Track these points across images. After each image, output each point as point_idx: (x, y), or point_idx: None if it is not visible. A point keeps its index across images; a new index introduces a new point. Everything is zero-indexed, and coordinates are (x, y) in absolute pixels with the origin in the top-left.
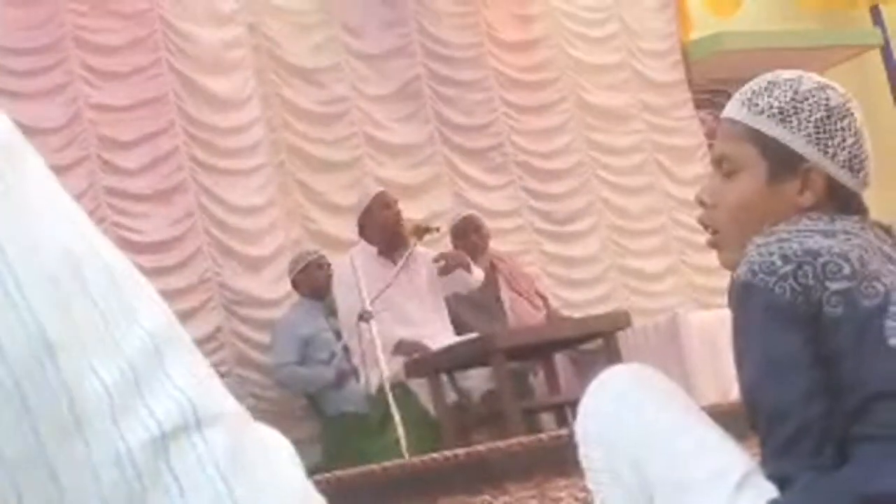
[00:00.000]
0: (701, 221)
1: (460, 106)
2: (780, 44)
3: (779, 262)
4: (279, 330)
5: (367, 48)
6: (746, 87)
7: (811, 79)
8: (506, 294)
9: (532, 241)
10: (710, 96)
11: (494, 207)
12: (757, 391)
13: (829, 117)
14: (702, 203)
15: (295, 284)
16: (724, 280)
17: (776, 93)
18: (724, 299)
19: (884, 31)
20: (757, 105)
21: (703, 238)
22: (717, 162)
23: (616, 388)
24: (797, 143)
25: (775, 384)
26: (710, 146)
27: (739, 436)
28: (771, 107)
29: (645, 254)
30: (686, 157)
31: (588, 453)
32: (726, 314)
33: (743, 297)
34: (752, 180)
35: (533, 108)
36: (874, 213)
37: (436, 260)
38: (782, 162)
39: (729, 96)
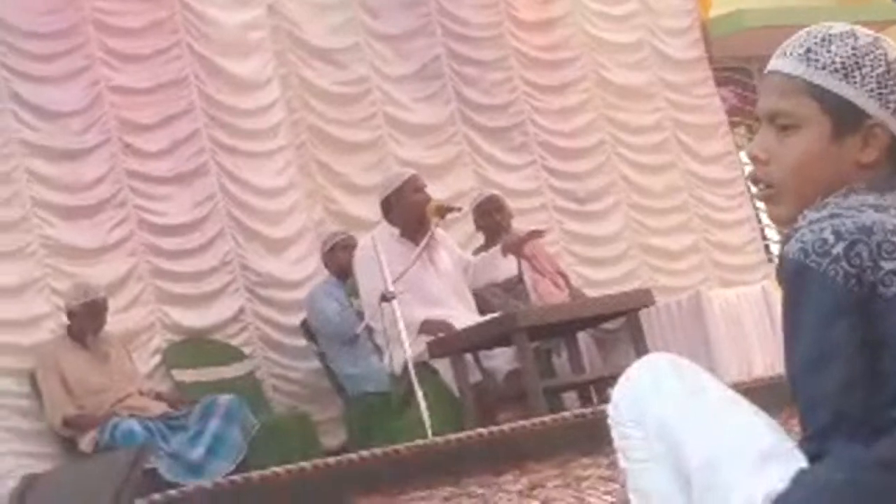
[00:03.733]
0: (754, 177)
1: (481, 85)
2: (801, 20)
3: (832, 240)
4: (315, 293)
5: (386, 28)
6: (796, 40)
7: (864, 32)
8: (528, 274)
9: (554, 220)
10: (730, 73)
11: (516, 187)
12: (801, 377)
13: (888, 72)
14: (755, 159)
15: (325, 263)
16: (745, 257)
17: (834, 47)
18: (746, 276)
19: None
20: (817, 60)
21: (724, 216)
22: (771, 117)
23: (654, 373)
24: (861, 98)
25: (819, 372)
26: (732, 123)
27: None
28: (833, 62)
29: (667, 232)
30: (707, 135)
31: (627, 433)
32: (749, 291)
33: (795, 279)
34: (814, 136)
35: (553, 88)
36: None
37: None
38: (846, 118)
39: (749, 73)
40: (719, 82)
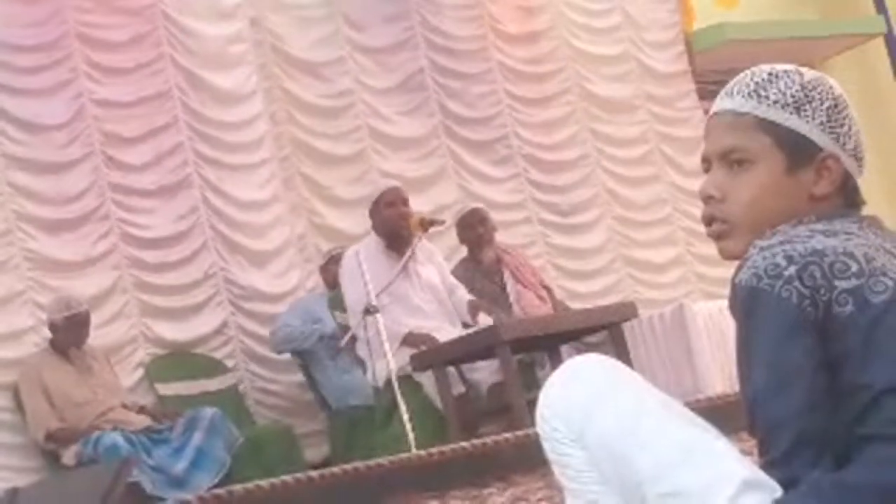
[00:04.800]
0: (708, 215)
1: (465, 98)
2: (784, 34)
3: (784, 264)
4: (292, 304)
5: (370, 41)
6: (741, 80)
7: (807, 70)
8: (511, 286)
9: (538, 232)
10: (713, 87)
11: (500, 199)
12: (760, 401)
13: (836, 106)
14: (709, 198)
15: (322, 277)
16: (728, 270)
17: (783, 83)
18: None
19: (887, 19)
20: (767, 96)
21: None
22: (723, 155)
23: (587, 382)
24: (812, 132)
25: (779, 395)
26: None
27: (743, 427)
28: (784, 96)
29: (651, 244)
30: (690, 148)
31: (564, 451)
32: None
33: (749, 303)
34: (768, 170)
35: (537, 100)
36: (880, 201)
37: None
38: (799, 151)
39: None
40: (703, 95)
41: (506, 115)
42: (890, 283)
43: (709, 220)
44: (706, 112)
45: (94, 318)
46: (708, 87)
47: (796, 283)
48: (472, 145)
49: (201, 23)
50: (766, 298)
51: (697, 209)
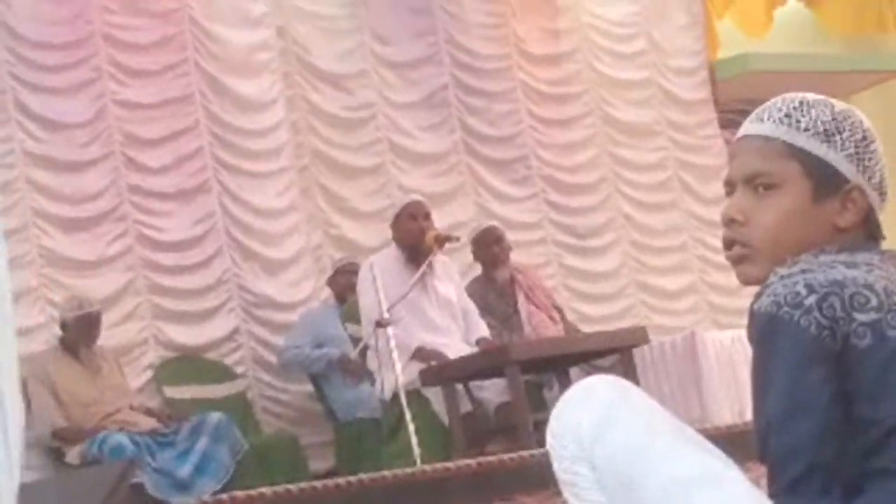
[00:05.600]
0: (729, 239)
1: (486, 117)
2: (808, 67)
3: (804, 293)
4: (300, 319)
5: (395, 55)
6: (772, 105)
7: (837, 101)
8: (524, 306)
9: (553, 254)
10: (735, 116)
11: (516, 219)
12: (773, 429)
13: (864, 139)
14: (732, 221)
15: (330, 287)
16: (743, 300)
17: (814, 112)
18: (742, 319)
19: None
20: (799, 122)
21: (722, 258)
22: (749, 179)
23: (600, 402)
24: (841, 162)
25: (792, 424)
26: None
27: (752, 457)
28: (815, 125)
29: (665, 271)
30: (709, 176)
31: (573, 469)
32: (744, 334)
33: (767, 330)
34: (794, 198)
35: (558, 122)
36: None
37: None
38: (826, 181)
39: None
40: (723, 124)
41: (526, 135)
42: None
43: (729, 244)
44: (727, 141)
45: (106, 319)
46: (729, 117)
47: (816, 314)
48: (492, 164)
49: (228, 29)
50: (784, 327)
51: (713, 238)
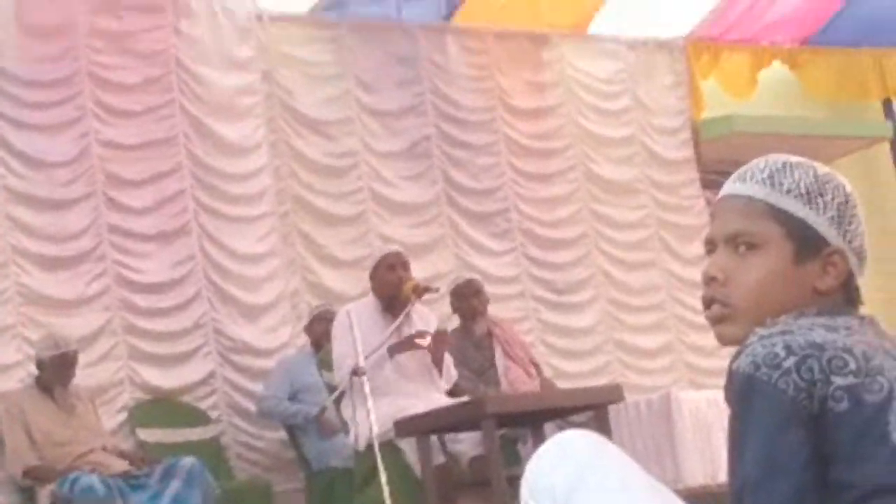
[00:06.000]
0: (709, 297)
1: (469, 169)
2: (792, 130)
3: (783, 354)
4: (277, 366)
5: (379, 104)
6: (755, 166)
7: (820, 164)
8: (500, 360)
9: (531, 308)
10: (717, 177)
11: (495, 272)
12: (748, 490)
13: (846, 202)
14: (712, 280)
15: (307, 333)
16: (719, 361)
17: (797, 174)
18: (718, 380)
19: (895, 124)
20: (781, 184)
21: (700, 318)
22: (730, 238)
23: (575, 457)
24: (822, 225)
25: (767, 485)
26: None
27: None
28: (798, 186)
29: (642, 330)
30: (690, 236)
31: None
32: (719, 395)
33: (745, 390)
34: (776, 259)
35: (540, 176)
36: (879, 305)
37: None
38: (808, 243)
39: None
40: (706, 184)
41: (508, 188)
42: (885, 384)
43: (709, 303)
44: (709, 201)
45: (82, 359)
46: (712, 177)
47: (794, 376)
48: (473, 216)
49: (213, 71)
50: (762, 388)
51: (692, 297)
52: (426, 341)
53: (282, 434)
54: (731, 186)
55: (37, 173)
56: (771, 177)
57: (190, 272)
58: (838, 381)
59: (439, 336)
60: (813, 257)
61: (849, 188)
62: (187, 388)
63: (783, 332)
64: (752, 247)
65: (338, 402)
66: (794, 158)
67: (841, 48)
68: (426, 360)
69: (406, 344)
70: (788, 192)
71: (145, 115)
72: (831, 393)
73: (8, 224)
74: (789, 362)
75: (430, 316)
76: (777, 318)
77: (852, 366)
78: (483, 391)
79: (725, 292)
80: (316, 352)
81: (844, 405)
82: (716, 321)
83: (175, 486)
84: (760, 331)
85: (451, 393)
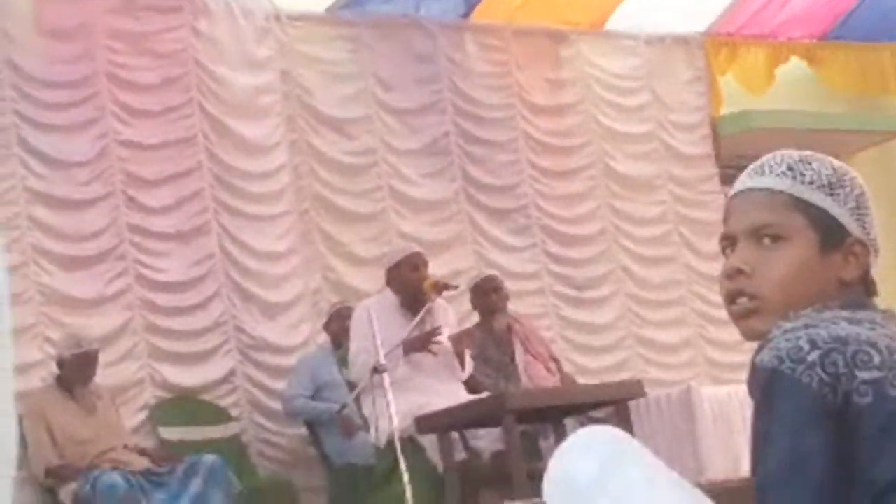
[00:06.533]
0: (735, 291)
1: (488, 166)
2: (810, 125)
3: (807, 348)
4: (299, 364)
5: (398, 102)
6: (772, 159)
7: (832, 158)
8: (520, 356)
9: (550, 304)
10: (736, 172)
11: (515, 269)
12: (772, 484)
13: (862, 195)
14: (738, 272)
15: (326, 331)
16: (740, 355)
17: (816, 165)
18: (739, 375)
19: None
20: (803, 175)
21: (720, 313)
22: (754, 231)
23: (598, 452)
24: (844, 216)
25: (790, 481)
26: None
27: None
28: (819, 178)
29: (662, 325)
30: (709, 232)
31: None
32: (740, 390)
33: (769, 385)
34: (802, 250)
35: (559, 173)
36: (894, 301)
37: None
38: (832, 233)
39: None
40: (724, 180)
41: (527, 184)
42: None
43: (734, 297)
44: (727, 197)
45: (103, 358)
46: (730, 172)
47: (818, 370)
48: (492, 213)
49: (231, 71)
50: (786, 382)
51: (711, 292)
52: (442, 340)
53: (303, 431)
54: (748, 181)
55: (56, 173)
56: (791, 168)
57: (210, 271)
58: (863, 375)
59: (461, 335)
60: (837, 248)
61: (861, 180)
62: (208, 386)
63: (807, 326)
64: (777, 238)
65: (357, 399)
66: (808, 153)
67: (859, 43)
68: (448, 356)
69: (420, 344)
70: (811, 183)
71: (164, 115)
72: (856, 387)
73: (28, 224)
74: (813, 356)
75: (448, 311)
76: (801, 312)
77: (876, 360)
78: (503, 387)
79: (753, 285)
80: (335, 349)
81: (868, 399)
82: (743, 315)
83: (197, 483)
84: (784, 324)
85: (470, 387)
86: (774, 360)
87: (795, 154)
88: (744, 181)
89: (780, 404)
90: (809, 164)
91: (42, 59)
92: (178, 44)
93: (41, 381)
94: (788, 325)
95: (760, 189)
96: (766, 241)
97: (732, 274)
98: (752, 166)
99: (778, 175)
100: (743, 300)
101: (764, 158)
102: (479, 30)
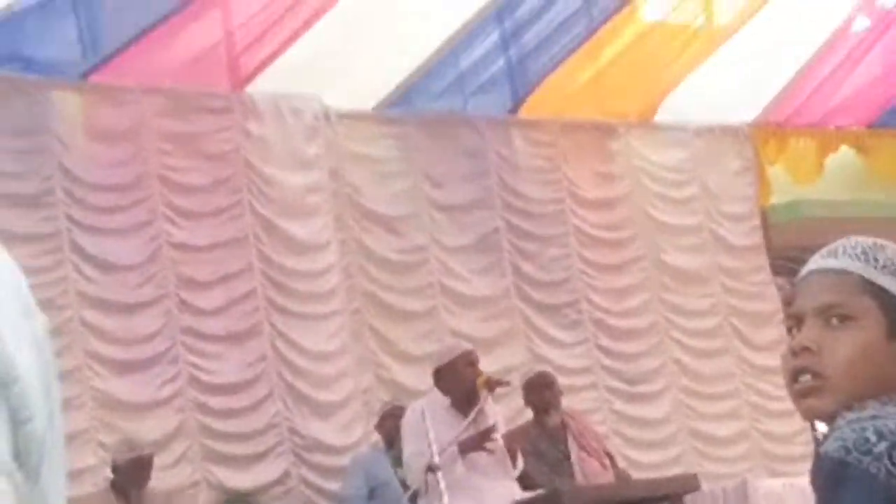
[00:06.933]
0: (800, 368)
1: (538, 261)
2: (859, 213)
3: (874, 440)
4: (353, 464)
5: (447, 198)
6: (846, 243)
7: None
8: (574, 451)
9: (603, 399)
10: (786, 262)
11: (567, 364)
12: None
13: None
14: (805, 350)
15: (378, 431)
16: (795, 447)
17: (889, 251)
18: (795, 467)
19: None
20: (876, 260)
21: (775, 405)
22: (823, 310)
23: None
24: None
25: None
26: (787, 309)
27: None
28: (892, 263)
29: (716, 418)
30: (762, 322)
31: None
32: (796, 482)
33: (835, 475)
34: (870, 332)
35: (610, 266)
36: None
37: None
38: None
39: (805, 263)
40: (775, 270)
41: (577, 279)
42: None
43: (797, 375)
44: (778, 287)
45: (157, 461)
46: (781, 262)
47: (885, 461)
48: (543, 308)
49: (281, 171)
50: (853, 473)
51: (765, 384)
52: (497, 438)
53: None
54: (821, 262)
55: (108, 277)
56: (864, 253)
57: (262, 372)
58: None
59: (516, 433)
60: None
61: None
62: (263, 488)
63: (873, 417)
64: (845, 319)
65: (412, 500)
66: (879, 239)
67: None
68: (501, 454)
69: (476, 443)
70: (884, 267)
71: (215, 216)
72: None
73: (81, 329)
74: (881, 447)
75: (495, 409)
76: (865, 403)
77: None
78: (558, 484)
79: (818, 363)
80: (388, 448)
81: None
82: (804, 394)
83: None
84: (849, 415)
85: (524, 484)
86: (841, 451)
87: (869, 239)
88: (816, 261)
89: (846, 495)
90: (883, 248)
91: (93, 162)
92: (228, 144)
93: (93, 487)
94: (853, 416)
95: (831, 270)
96: (835, 321)
97: (798, 351)
98: (824, 249)
99: (850, 257)
100: (806, 378)
101: (837, 242)
102: (526, 125)
